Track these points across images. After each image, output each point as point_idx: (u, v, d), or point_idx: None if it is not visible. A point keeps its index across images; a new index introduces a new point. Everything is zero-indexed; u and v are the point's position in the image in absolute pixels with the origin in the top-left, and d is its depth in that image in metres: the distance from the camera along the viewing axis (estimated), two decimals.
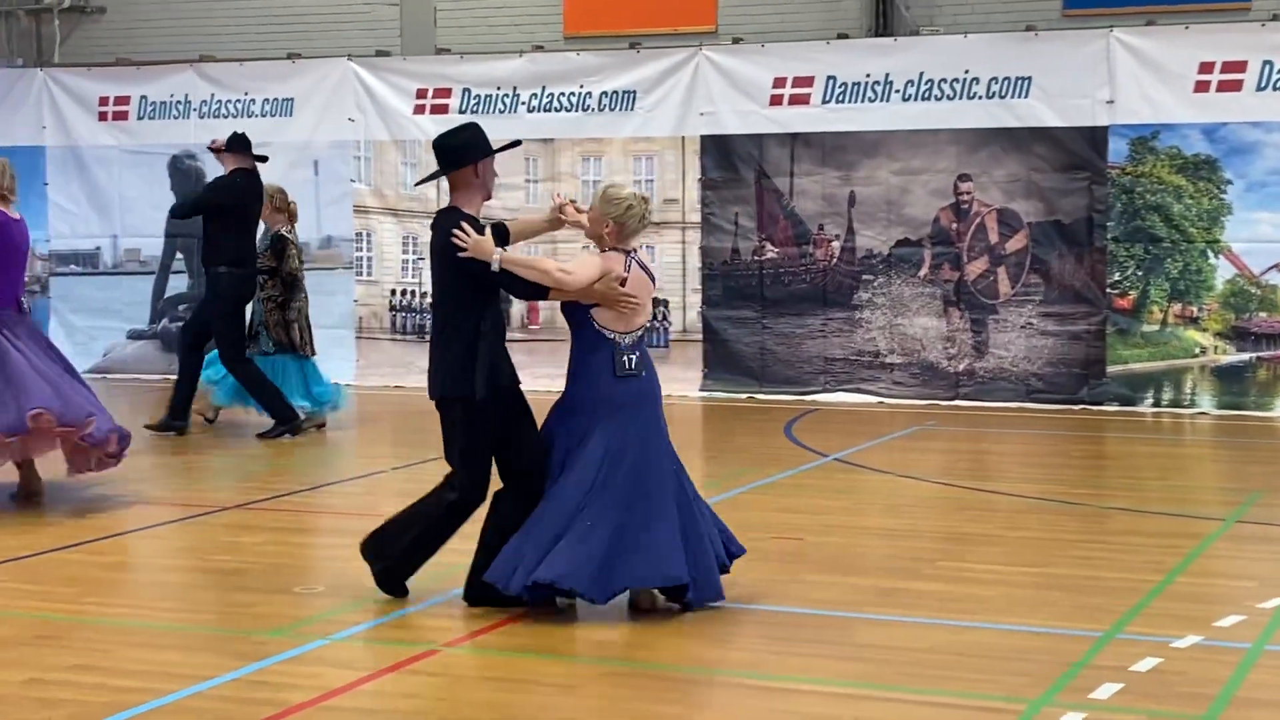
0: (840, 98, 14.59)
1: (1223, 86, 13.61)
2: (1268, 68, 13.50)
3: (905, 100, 14.40)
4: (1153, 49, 13.79)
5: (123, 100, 16.72)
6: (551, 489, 6.88)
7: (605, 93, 15.27)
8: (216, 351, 12.54)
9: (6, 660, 6.27)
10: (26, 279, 17.01)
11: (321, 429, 12.74)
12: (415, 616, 6.94)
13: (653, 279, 7.22)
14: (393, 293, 16.04)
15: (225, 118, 16.31)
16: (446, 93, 15.68)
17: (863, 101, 14.54)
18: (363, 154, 15.98)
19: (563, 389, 7.08)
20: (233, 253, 12.28)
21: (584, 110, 15.35)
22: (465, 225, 6.82)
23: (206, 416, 12.95)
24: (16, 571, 7.93)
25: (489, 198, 7.19)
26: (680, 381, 15.06)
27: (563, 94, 15.39)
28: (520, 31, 16.16)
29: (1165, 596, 7.26)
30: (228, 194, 12.36)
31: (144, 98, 16.66)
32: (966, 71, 14.23)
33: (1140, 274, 13.94)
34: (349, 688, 5.94)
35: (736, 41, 15.22)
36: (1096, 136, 13.92)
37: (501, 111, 15.51)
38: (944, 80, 14.29)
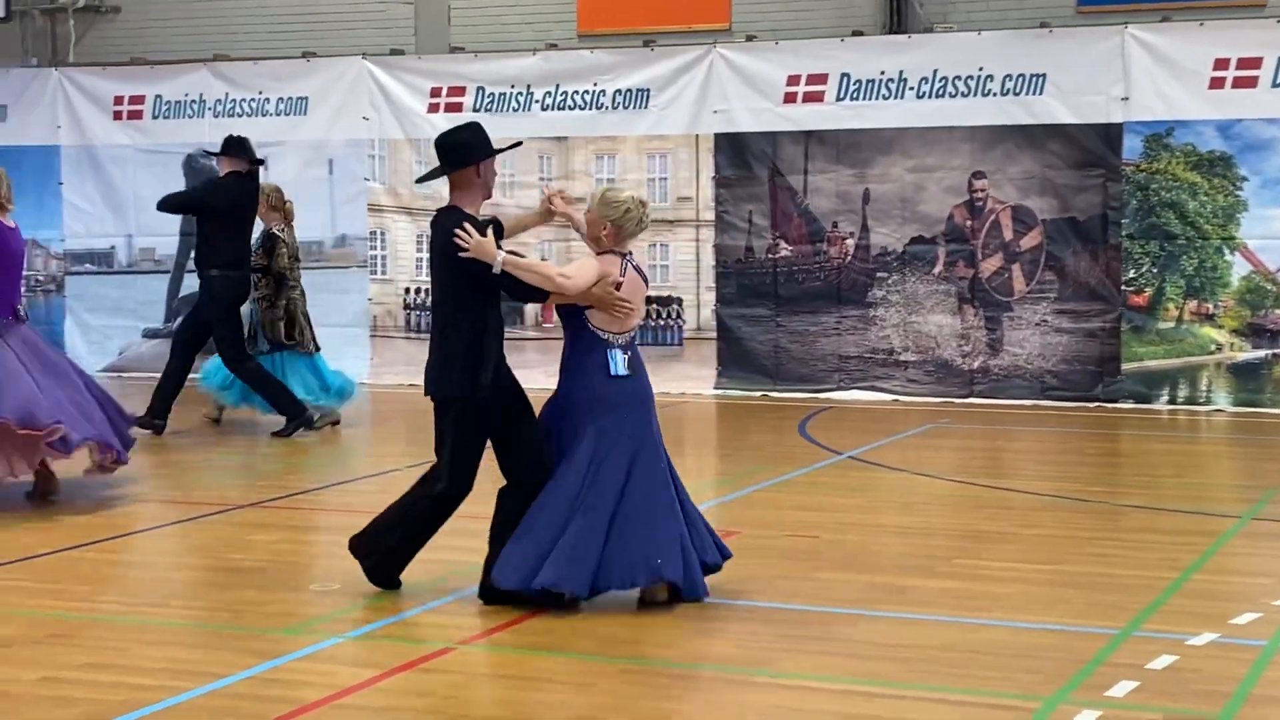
0: (854, 95, 14.57)
1: (1238, 83, 13.58)
2: None
3: (919, 97, 14.38)
4: (1167, 45, 13.75)
5: (137, 99, 16.75)
6: (547, 487, 6.93)
7: (619, 91, 15.27)
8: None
9: (21, 659, 6.28)
10: (42, 278, 17.23)
11: (336, 425, 12.76)
12: (429, 614, 6.95)
13: (646, 280, 7.28)
14: (407, 291, 16.06)
15: (240, 117, 16.34)
16: (460, 91, 15.68)
17: (877, 99, 14.52)
18: (377, 152, 15.99)
19: (555, 387, 7.14)
20: (226, 255, 12.29)
21: (598, 108, 15.35)
22: (468, 226, 6.84)
23: (212, 416, 12.98)
24: (31, 570, 7.94)
25: (489, 196, 7.23)
26: (694, 379, 15.07)
27: (576, 92, 15.39)
28: (534, 30, 16.17)
29: (1181, 594, 7.24)
30: (217, 195, 12.38)
31: (159, 97, 16.69)
32: (981, 68, 14.20)
33: (1155, 271, 13.91)
34: (363, 686, 5.94)
35: (750, 39, 15.21)
36: (1111, 133, 13.89)
37: (515, 110, 15.51)
38: (958, 77, 14.27)
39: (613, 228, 7.06)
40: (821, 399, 14.49)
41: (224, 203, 12.31)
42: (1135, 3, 14.51)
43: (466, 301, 6.97)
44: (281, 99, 16.32)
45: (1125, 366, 13.97)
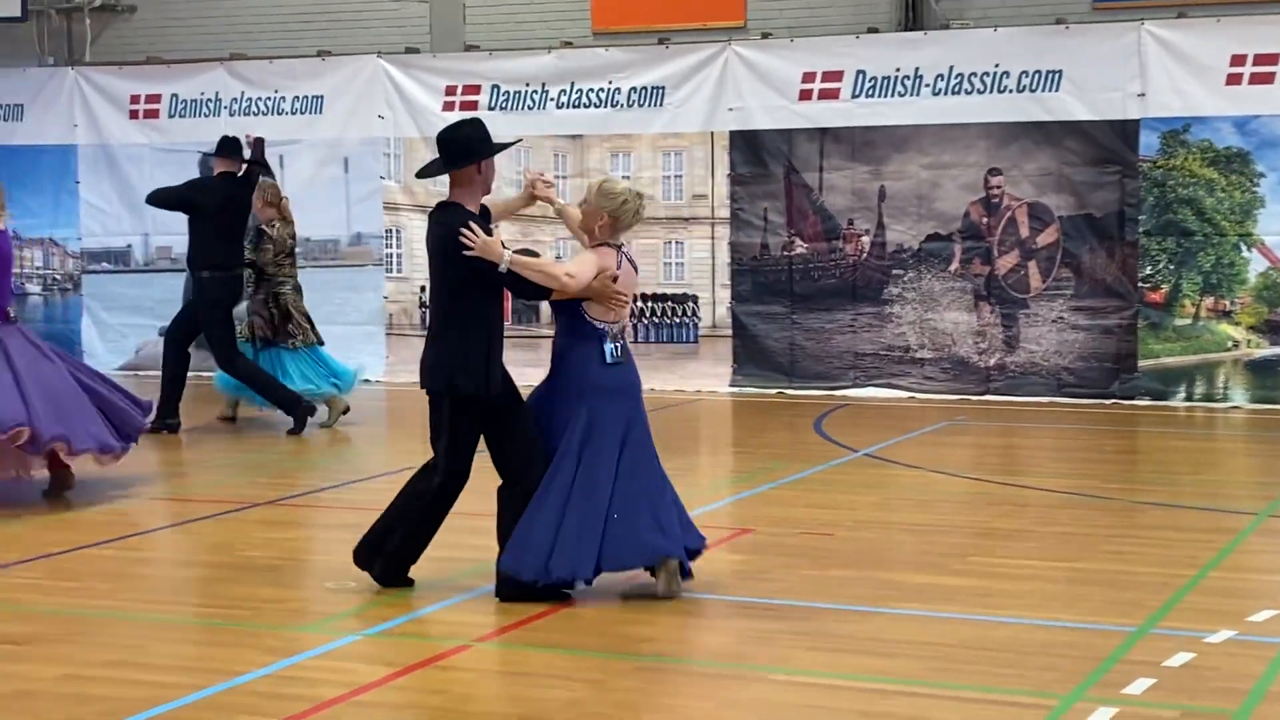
0: (870, 92, 14.56)
1: (1255, 79, 13.54)
2: None
3: (935, 94, 14.36)
4: (1184, 41, 13.72)
5: (154, 99, 16.78)
6: (547, 477, 7.01)
7: (634, 88, 15.27)
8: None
9: (41, 655, 6.31)
10: (59, 277, 17.28)
11: (346, 412, 12.78)
12: (446, 612, 6.96)
13: (636, 269, 7.40)
14: (422, 289, 16.07)
15: (256, 115, 16.37)
16: (475, 89, 15.69)
17: (892, 96, 14.50)
18: (392, 151, 16.01)
19: (546, 376, 7.25)
20: (215, 256, 12.32)
21: (613, 106, 15.35)
22: (474, 225, 6.88)
23: (226, 415, 13.01)
24: (51, 567, 7.97)
25: (488, 192, 7.29)
26: (710, 377, 15.07)
27: (591, 90, 15.40)
28: (549, 28, 16.18)
29: (1198, 591, 7.23)
30: (204, 195, 12.41)
31: (175, 96, 16.72)
32: (997, 65, 14.18)
33: (1172, 268, 13.88)
34: (380, 683, 5.96)
35: (765, 36, 15.20)
36: (1128, 130, 13.86)
37: (530, 108, 15.52)
38: (974, 74, 14.25)
39: (610, 219, 7.15)
40: (837, 396, 14.48)
41: (211, 203, 12.32)
42: None
43: (470, 298, 7.04)
44: (297, 98, 16.34)
45: (1142, 363, 13.94)
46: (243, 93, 16.50)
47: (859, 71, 14.56)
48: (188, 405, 12.66)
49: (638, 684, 6.01)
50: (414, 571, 7.31)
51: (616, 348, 7.18)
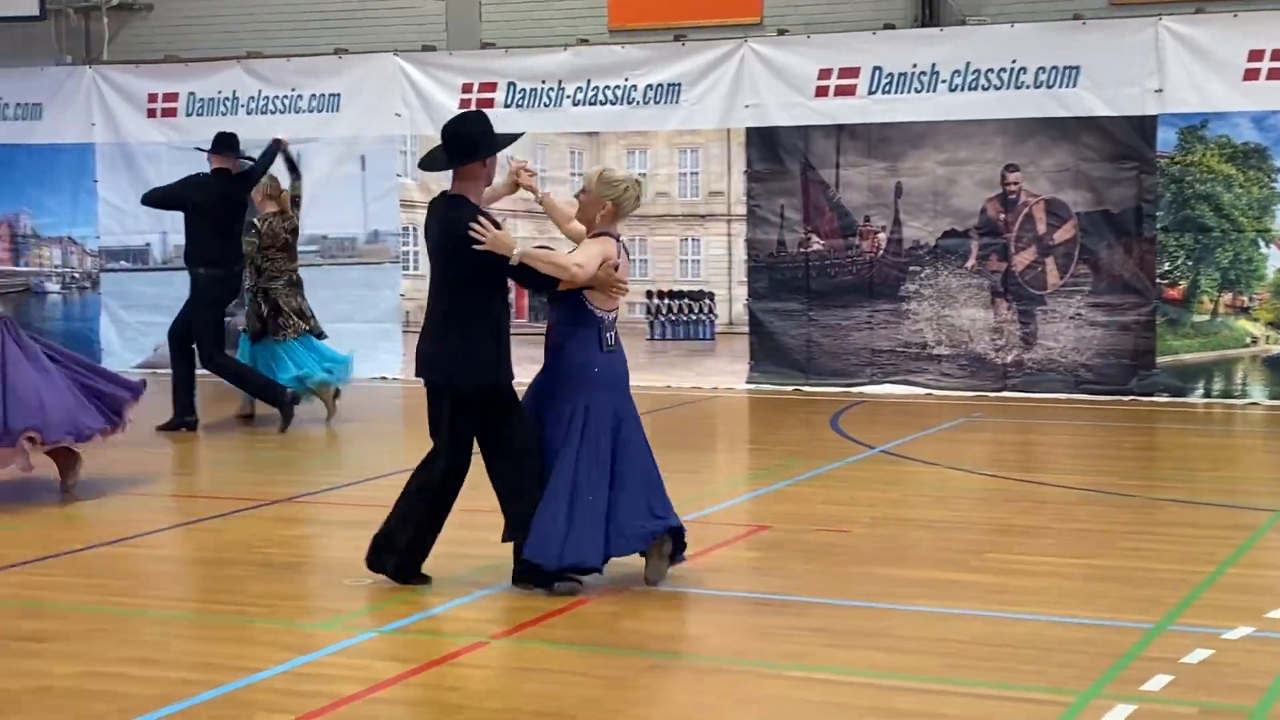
0: (886, 89, 14.54)
1: (1273, 75, 13.49)
2: None
3: (952, 91, 14.34)
4: (1201, 37, 13.68)
5: (171, 97, 16.82)
6: (557, 464, 7.11)
7: (650, 85, 15.27)
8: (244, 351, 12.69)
9: (61, 653, 6.33)
10: (78, 275, 17.32)
11: (337, 396, 12.82)
12: (463, 609, 6.97)
13: (629, 259, 7.55)
14: None
15: (272, 114, 16.40)
16: (492, 87, 15.70)
17: (909, 92, 14.48)
18: (409, 149, 16.02)
19: (544, 367, 7.34)
20: (212, 253, 12.33)
21: (629, 103, 15.35)
22: (483, 220, 6.91)
23: (245, 413, 13.03)
24: (70, 565, 8.00)
25: (490, 185, 7.37)
26: (726, 374, 15.07)
27: (608, 87, 15.40)
28: (565, 25, 16.18)
29: (1216, 588, 7.22)
30: (199, 192, 12.42)
31: (192, 94, 16.76)
32: (1014, 61, 14.15)
33: (1190, 264, 13.84)
34: (398, 679, 5.97)
35: (782, 33, 15.19)
36: (1145, 126, 13.83)
37: (547, 105, 15.53)
38: (991, 70, 14.22)
39: (613, 207, 7.26)
40: (854, 393, 14.46)
41: (207, 200, 12.33)
42: None
43: (477, 291, 7.11)
44: (314, 96, 16.37)
45: (1160, 360, 13.91)
46: (260, 91, 16.53)
47: (875, 68, 14.54)
48: (204, 404, 12.68)
49: (653, 680, 6.01)
50: (429, 569, 7.33)
51: (612, 335, 7.30)
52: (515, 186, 7.65)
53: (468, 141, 7.16)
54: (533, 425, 7.20)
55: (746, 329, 15.08)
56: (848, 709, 5.59)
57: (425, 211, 7.42)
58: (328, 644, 6.42)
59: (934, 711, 5.55)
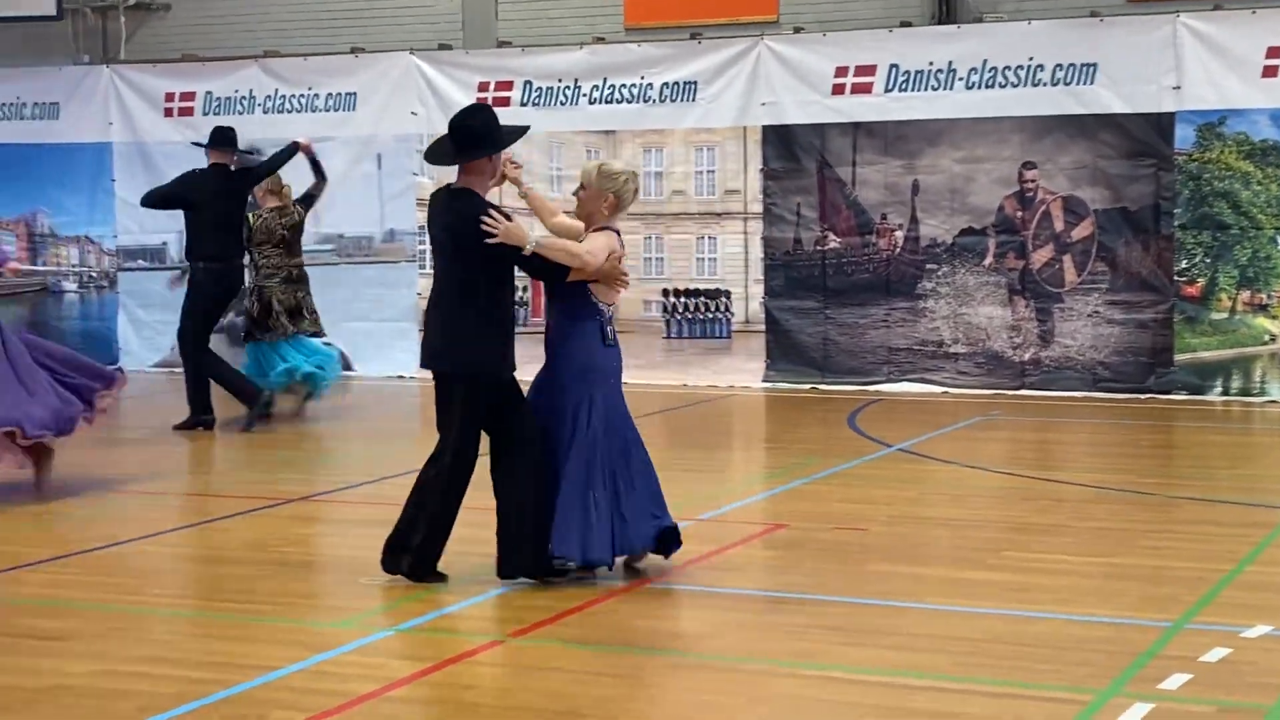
0: (903, 86, 14.50)
1: None
2: None
3: (969, 88, 14.30)
4: (1219, 34, 13.63)
5: (188, 96, 16.85)
6: (572, 458, 7.17)
7: (666, 84, 15.26)
8: (254, 349, 12.70)
9: (77, 651, 6.34)
10: (95, 274, 17.35)
11: (307, 399, 12.82)
12: (479, 608, 6.97)
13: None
14: None
15: (289, 113, 16.42)
16: (508, 85, 15.70)
17: (926, 90, 14.45)
18: (425, 147, 15.99)
19: (546, 363, 7.39)
20: (211, 248, 12.34)
21: (645, 101, 15.34)
22: (494, 213, 6.95)
23: (260, 411, 13.03)
24: (87, 564, 8.01)
25: (494, 176, 7.40)
26: (743, 372, 15.05)
27: (624, 85, 15.39)
28: (581, 23, 16.17)
29: (1235, 586, 7.19)
30: (194, 188, 12.43)
31: (209, 93, 16.77)
32: (1031, 58, 14.11)
33: (1208, 261, 13.79)
34: (413, 678, 5.97)
35: (798, 31, 15.16)
36: (1163, 123, 13.78)
37: (563, 104, 15.52)
38: (1008, 67, 14.18)
39: (614, 199, 7.32)
40: (871, 391, 14.44)
41: (204, 196, 12.34)
42: None
43: (485, 282, 7.17)
44: (330, 95, 16.38)
45: (1178, 358, 13.86)
46: (277, 90, 16.54)
47: (892, 65, 14.51)
48: (221, 402, 12.69)
49: (669, 679, 6.00)
50: (443, 568, 7.33)
51: (611, 330, 7.37)
52: (502, 179, 7.68)
53: (475, 135, 7.19)
54: (534, 419, 7.25)
55: (763, 327, 15.06)
56: (863, 708, 5.58)
57: (429, 204, 7.46)
58: (343, 642, 6.42)
59: (951, 710, 5.53)
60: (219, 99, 16.72)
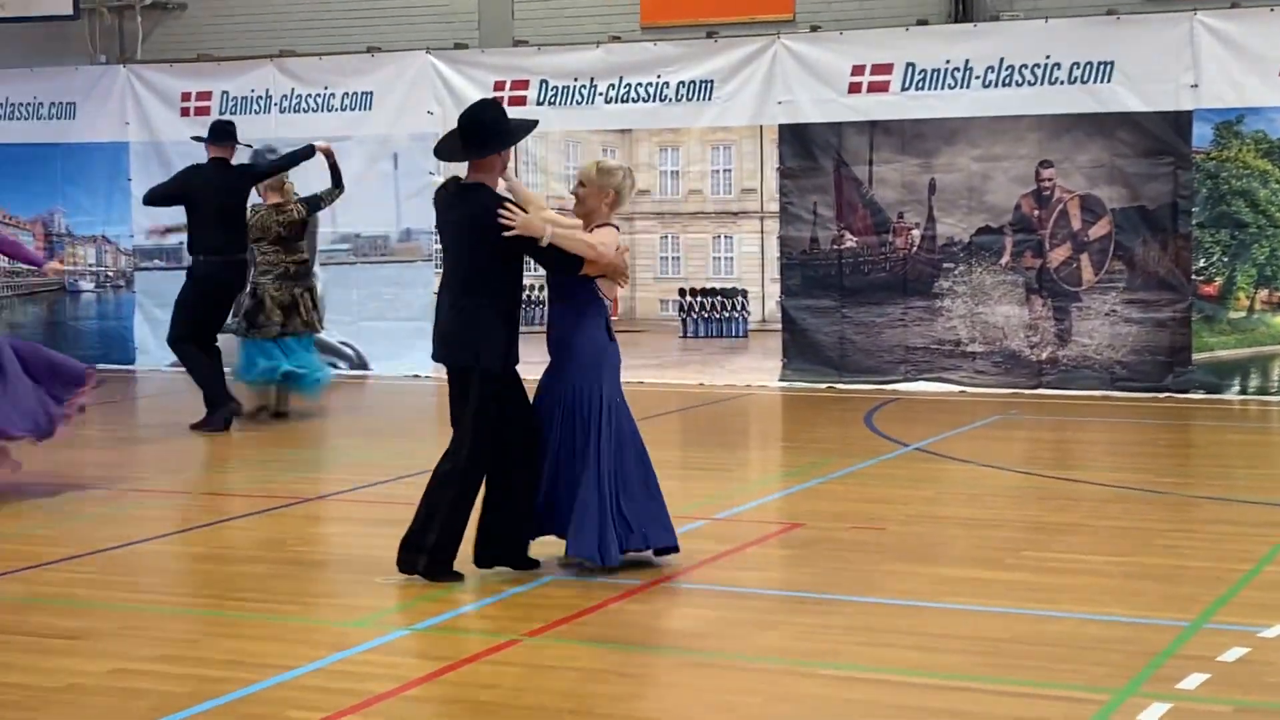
0: (920, 84, 14.48)
1: None
2: None
3: (986, 86, 14.27)
4: (1237, 32, 13.59)
5: (204, 95, 16.87)
6: (587, 456, 7.24)
7: (682, 82, 15.25)
8: (257, 346, 12.70)
9: (93, 650, 6.34)
10: (112, 274, 17.38)
11: (259, 411, 12.74)
12: (495, 607, 6.96)
13: None
14: None
15: (305, 112, 16.44)
16: (524, 84, 15.70)
17: (943, 88, 14.42)
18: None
19: (554, 361, 7.45)
20: (211, 241, 12.33)
21: (661, 100, 15.33)
22: (510, 205, 6.98)
23: (279, 410, 13.05)
24: (103, 563, 8.02)
25: (504, 171, 7.44)
26: (759, 371, 15.03)
27: (640, 84, 15.38)
28: (597, 22, 16.16)
29: (1253, 586, 7.16)
30: (194, 183, 12.44)
31: (225, 93, 16.80)
32: (1048, 56, 14.08)
33: (1226, 260, 13.75)
34: (430, 678, 5.96)
35: (814, 29, 15.14)
36: (1181, 121, 13.74)
37: (579, 103, 15.52)
38: (1025, 66, 14.15)
39: (615, 194, 7.41)
40: (888, 390, 14.41)
41: (203, 190, 12.34)
42: None
43: (498, 275, 7.22)
44: (346, 94, 16.40)
45: (1196, 357, 13.82)
46: (293, 89, 16.56)
47: (909, 64, 14.48)
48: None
49: (686, 679, 5.99)
50: (459, 568, 7.33)
51: (611, 323, 7.49)
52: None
53: (486, 131, 7.23)
54: (530, 413, 7.36)
55: (779, 326, 15.04)
56: (881, 707, 5.56)
57: (436, 199, 7.49)
58: (359, 642, 6.42)
59: (968, 710, 5.51)
60: (235, 98, 16.75)
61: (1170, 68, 13.72)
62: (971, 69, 14.31)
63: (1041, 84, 14.12)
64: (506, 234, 6.99)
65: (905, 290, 14.62)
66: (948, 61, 14.37)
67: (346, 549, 8.45)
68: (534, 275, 8.21)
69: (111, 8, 18.12)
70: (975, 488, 9.87)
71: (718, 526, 8.63)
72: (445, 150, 7.44)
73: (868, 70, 14.62)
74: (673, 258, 15.28)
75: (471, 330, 7.21)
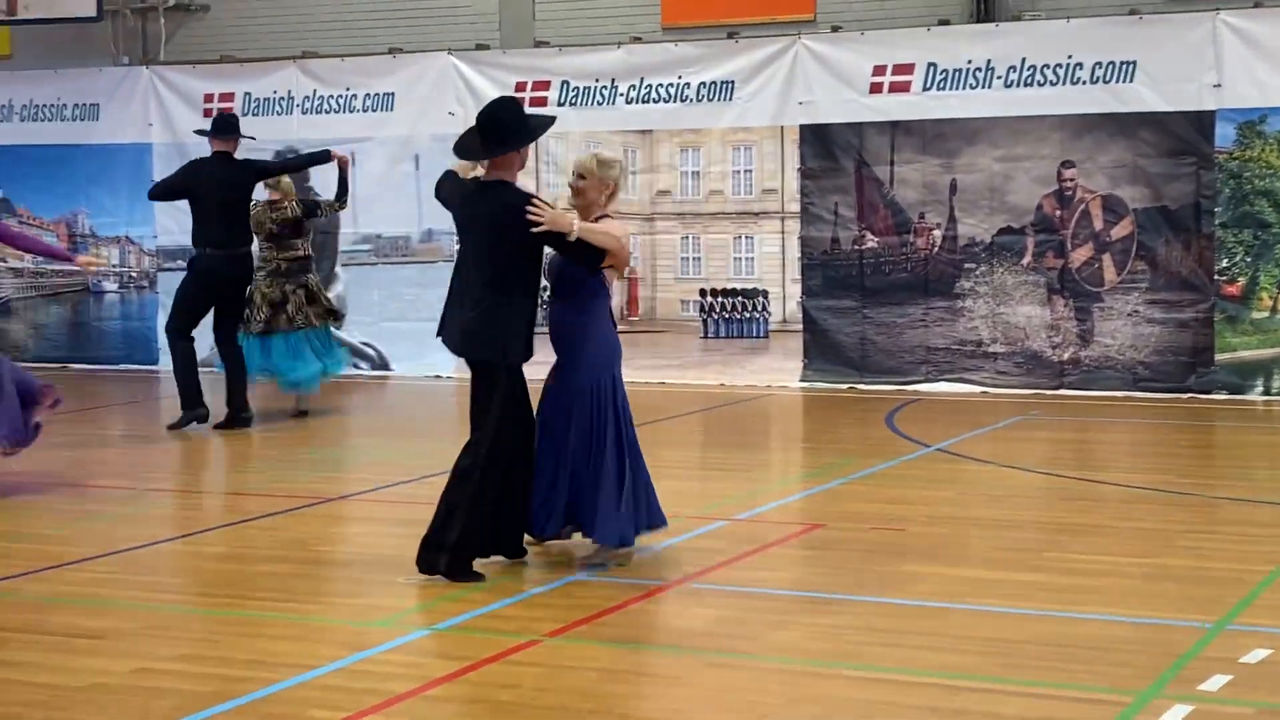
0: (941, 85, 14.46)
1: None
2: None
3: (1007, 86, 14.24)
4: (1260, 31, 13.54)
5: (227, 97, 16.91)
6: (606, 443, 7.37)
7: (703, 83, 15.24)
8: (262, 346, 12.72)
9: (115, 650, 6.36)
10: (135, 275, 17.43)
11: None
12: (516, 607, 6.97)
13: None
14: None
15: (327, 113, 16.47)
16: (545, 85, 15.71)
17: (964, 88, 14.39)
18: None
19: (565, 355, 7.56)
20: (213, 234, 12.33)
21: (682, 101, 15.33)
22: (537, 201, 7.01)
23: (299, 410, 13.08)
24: (125, 563, 8.05)
25: (522, 168, 7.52)
26: (780, 372, 15.02)
27: (661, 85, 15.38)
28: (618, 23, 16.17)
29: (1276, 587, 7.14)
30: (197, 177, 12.46)
31: (248, 94, 16.84)
32: (1070, 56, 14.05)
33: (1249, 260, 13.70)
34: (451, 678, 5.97)
35: (835, 30, 15.12)
36: (1203, 121, 13.69)
37: (600, 103, 15.52)
38: (1047, 65, 14.12)
39: (614, 187, 7.56)
40: (909, 391, 14.39)
41: (206, 184, 12.36)
42: None
43: (520, 271, 7.28)
44: (368, 95, 16.42)
45: (1218, 357, 13.77)
46: (315, 91, 16.60)
47: (930, 64, 14.46)
48: (254, 402, 12.73)
49: (706, 679, 5.98)
50: (480, 567, 7.34)
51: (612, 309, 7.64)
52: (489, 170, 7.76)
53: (505, 129, 7.25)
54: (530, 411, 7.48)
55: (800, 327, 15.03)
56: (903, 708, 5.55)
57: (449, 194, 7.53)
58: (380, 642, 6.43)
59: (990, 711, 5.50)
60: (257, 100, 16.79)
61: (1193, 67, 13.68)
62: (993, 69, 14.28)
63: (1063, 84, 14.09)
64: (535, 229, 7.02)
65: (926, 291, 14.60)
66: (969, 61, 14.35)
67: (368, 549, 8.47)
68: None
69: (135, 9, 18.18)
70: (997, 489, 9.85)
71: (739, 527, 8.63)
72: (464, 148, 7.46)
73: (889, 70, 14.61)
74: (694, 258, 15.28)
75: (496, 327, 7.24)
